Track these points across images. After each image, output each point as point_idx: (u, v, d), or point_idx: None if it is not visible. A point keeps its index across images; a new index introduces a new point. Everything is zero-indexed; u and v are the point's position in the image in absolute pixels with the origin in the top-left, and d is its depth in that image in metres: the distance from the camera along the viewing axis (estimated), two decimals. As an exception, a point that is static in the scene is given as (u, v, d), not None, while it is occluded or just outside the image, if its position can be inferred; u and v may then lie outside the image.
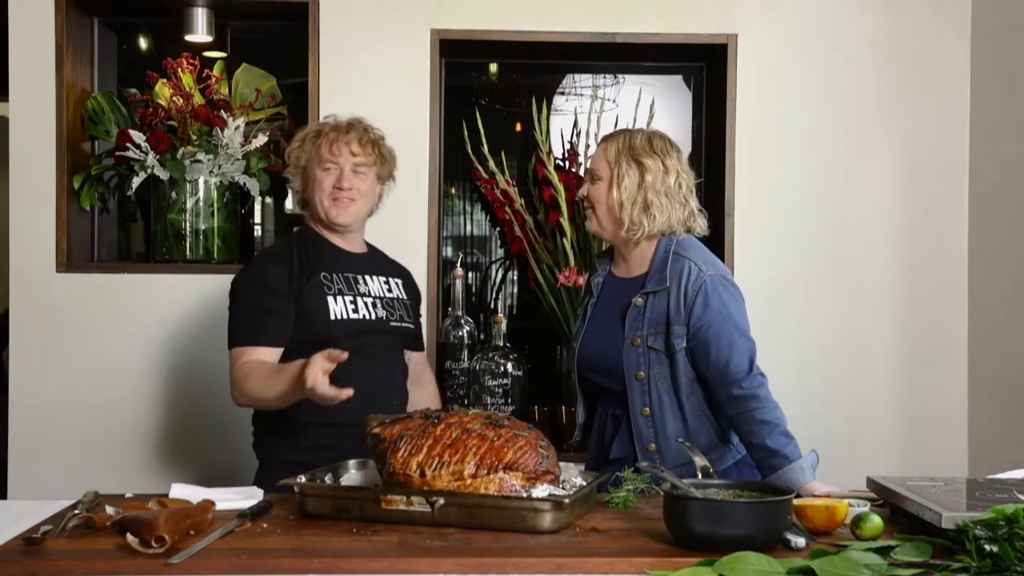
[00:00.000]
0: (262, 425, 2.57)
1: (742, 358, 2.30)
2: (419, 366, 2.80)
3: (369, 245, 2.72)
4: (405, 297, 2.71)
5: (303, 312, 2.49)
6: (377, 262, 2.71)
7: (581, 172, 3.60)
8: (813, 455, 2.28)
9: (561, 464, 2.08)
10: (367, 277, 2.63)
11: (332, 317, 2.50)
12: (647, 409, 2.35)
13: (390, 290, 2.67)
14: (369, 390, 2.41)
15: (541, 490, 1.91)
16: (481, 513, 1.87)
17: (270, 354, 2.45)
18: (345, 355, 2.15)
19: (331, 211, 2.56)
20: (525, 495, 1.88)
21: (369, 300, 2.59)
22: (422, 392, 2.78)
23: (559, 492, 1.92)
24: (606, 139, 2.49)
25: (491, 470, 1.91)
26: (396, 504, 1.90)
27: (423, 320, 2.74)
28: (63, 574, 1.63)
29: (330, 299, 2.52)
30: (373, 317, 2.57)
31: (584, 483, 2.05)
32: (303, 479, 2.05)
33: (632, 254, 2.45)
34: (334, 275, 2.56)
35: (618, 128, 2.56)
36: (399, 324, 2.64)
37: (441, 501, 1.88)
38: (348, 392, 2.15)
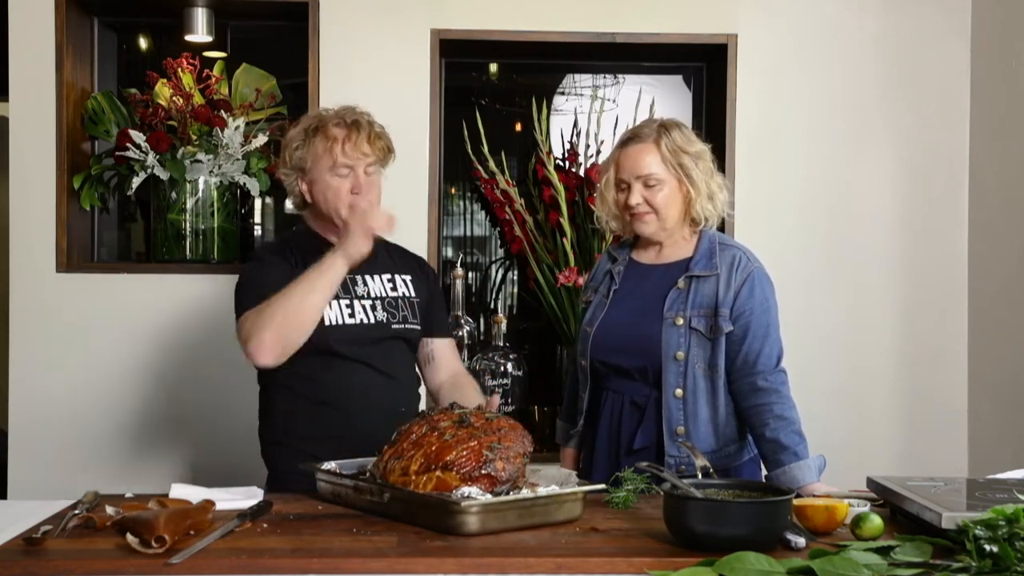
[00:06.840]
0: (264, 441, 2.50)
1: (772, 351, 2.35)
2: (446, 355, 2.60)
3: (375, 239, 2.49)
4: (413, 294, 2.53)
5: None
6: (381, 258, 2.50)
7: (581, 172, 3.60)
8: (821, 458, 2.30)
9: (564, 471, 2.07)
10: (368, 277, 2.48)
11: (327, 323, 2.36)
12: (680, 391, 2.33)
13: (395, 288, 2.51)
14: (373, 401, 2.39)
15: (462, 492, 1.84)
16: (415, 510, 1.88)
17: None
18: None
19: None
20: (449, 496, 1.83)
21: (368, 303, 2.45)
22: (463, 391, 2.50)
23: (477, 495, 1.83)
24: (637, 141, 2.40)
25: (429, 469, 1.90)
26: (365, 495, 1.98)
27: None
28: (63, 574, 1.63)
29: None
30: (372, 321, 2.44)
31: (562, 488, 1.94)
32: (332, 464, 2.12)
33: (670, 243, 2.45)
34: None
35: (629, 130, 2.46)
36: (402, 327, 2.49)
37: (387, 495, 1.93)
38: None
